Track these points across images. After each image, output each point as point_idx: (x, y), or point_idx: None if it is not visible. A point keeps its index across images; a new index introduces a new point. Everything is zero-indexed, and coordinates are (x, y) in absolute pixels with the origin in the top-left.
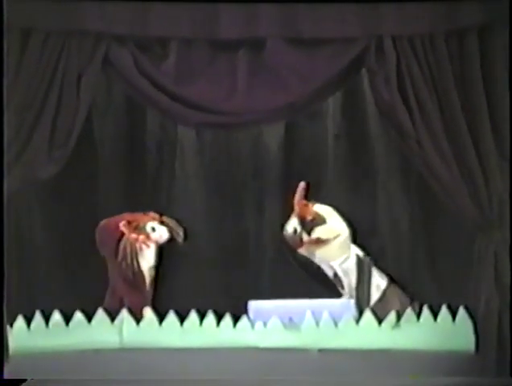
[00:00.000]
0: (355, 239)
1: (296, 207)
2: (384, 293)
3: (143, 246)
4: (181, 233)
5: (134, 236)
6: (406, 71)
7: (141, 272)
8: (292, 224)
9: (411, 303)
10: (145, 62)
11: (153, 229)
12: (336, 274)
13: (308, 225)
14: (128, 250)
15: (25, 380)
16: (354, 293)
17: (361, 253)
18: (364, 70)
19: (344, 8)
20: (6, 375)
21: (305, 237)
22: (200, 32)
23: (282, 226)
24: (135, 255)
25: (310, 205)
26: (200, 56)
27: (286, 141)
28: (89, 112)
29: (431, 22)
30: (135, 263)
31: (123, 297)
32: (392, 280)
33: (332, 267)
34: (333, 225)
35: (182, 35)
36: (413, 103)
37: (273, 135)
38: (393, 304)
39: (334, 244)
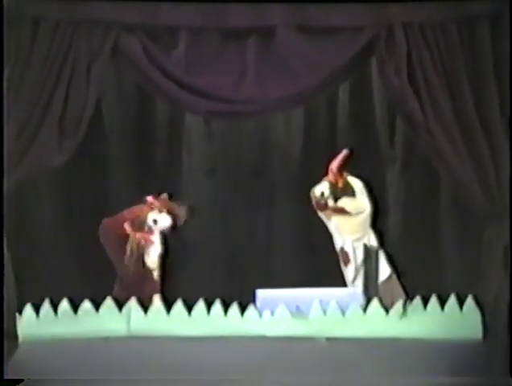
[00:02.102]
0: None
1: (330, 172)
2: (384, 281)
3: (149, 243)
4: (183, 216)
5: (138, 235)
6: (416, 59)
7: (148, 266)
8: (321, 187)
9: (405, 299)
10: (154, 51)
11: (155, 222)
12: (343, 248)
13: (337, 192)
14: (134, 249)
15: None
16: (358, 272)
17: (374, 240)
18: (374, 58)
19: None
20: (15, 364)
21: (331, 203)
22: (209, 21)
23: (290, 215)
24: (141, 252)
25: (344, 174)
26: (209, 45)
27: (297, 130)
28: (99, 101)
29: (442, 10)
30: (141, 259)
31: (132, 289)
32: (396, 271)
33: (344, 240)
34: (360, 200)
35: (191, 24)
36: (423, 91)
37: (284, 124)
38: (391, 293)
39: (355, 219)
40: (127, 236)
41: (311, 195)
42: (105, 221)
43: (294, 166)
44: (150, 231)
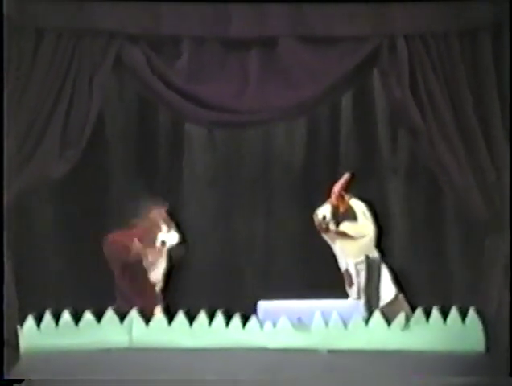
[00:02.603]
0: (378, 242)
1: (333, 196)
2: (391, 302)
3: (157, 260)
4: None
5: (147, 251)
6: (418, 69)
7: (152, 282)
8: (324, 210)
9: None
10: (157, 61)
11: (163, 243)
12: (347, 271)
13: (339, 217)
14: (139, 266)
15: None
16: (361, 294)
17: (376, 256)
18: (376, 69)
19: (356, 7)
20: (16, 375)
21: (332, 227)
22: (211, 31)
23: (292, 226)
24: (146, 270)
25: (346, 197)
26: (212, 55)
27: (298, 140)
28: (101, 112)
29: (443, 21)
30: (146, 276)
31: (133, 302)
32: (401, 289)
33: (347, 263)
34: (363, 224)
35: (194, 34)
36: (425, 101)
37: (285, 134)
38: (398, 312)
39: (357, 243)
40: (133, 251)
41: (314, 217)
42: (112, 236)
43: (295, 176)
44: (159, 250)
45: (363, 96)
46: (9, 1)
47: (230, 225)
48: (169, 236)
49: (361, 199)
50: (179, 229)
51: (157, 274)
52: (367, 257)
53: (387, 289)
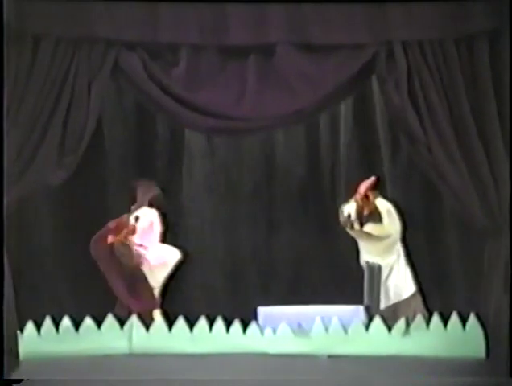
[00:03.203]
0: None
1: (358, 196)
2: (409, 299)
3: (159, 263)
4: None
5: (119, 237)
6: (416, 76)
7: (151, 285)
8: (349, 208)
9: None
10: (155, 68)
11: (136, 218)
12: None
13: (363, 217)
14: (138, 264)
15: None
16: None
17: (402, 254)
18: (374, 76)
19: (354, 14)
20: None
21: (356, 226)
22: (209, 38)
23: (292, 233)
24: (144, 274)
25: (372, 197)
26: (209, 62)
27: (299, 146)
28: (99, 119)
29: (440, 28)
30: (144, 279)
31: (131, 306)
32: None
33: (369, 259)
34: (387, 225)
35: (192, 42)
36: (423, 108)
37: (286, 140)
38: (414, 310)
39: (382, 243)
40: (113, 247)
41: (340, 213)
42: (93, 239)
43: (295, 183)
44: (133, 229)
45: (363, 103)
46: (7, 8)
47: (230, 231)
48: (145, 213)
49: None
50: (179, 235)
51: (158, 277)
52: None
53: (407, 286)
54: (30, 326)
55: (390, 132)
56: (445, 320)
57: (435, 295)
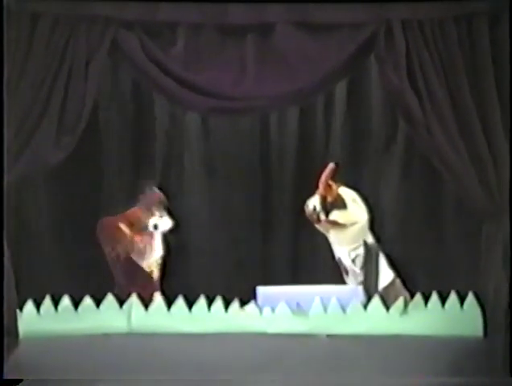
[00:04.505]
0: (372, 226)
1: (320, 186)
2: (388, 286)
3: (147, 246)
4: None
5: (137, 238)
6: (415, 56)
7: (145, 268)
8: (313, 201)
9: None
10: (153, 47)
11: (155, 227)
12: (340, 260)
13: (328, 206)
14: (132, 251)
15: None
16: (358, 280)
17: (371, 240)
18: (373, 55)
19: None
20: (15, 359)
21: (322, 217)
22: (208, 18)
23: (289, 213)
24: (140, 255)
25: (334, 187)
26: (208, 42)
27: (294, 127)
28: (97, 99)
29: (440, 8)
30: (140, 263)
31: (131, 290)
32: (398, 275)
33: (341, 252)
34: (353, 212)
35: (190, 21)
36: (422, 88)
37: (282, 121)
38: (395, 297)
39: (349, 231)
40: (123, 236)
41: (305, 208)
42: (105, 219)
43: (290, 163)
44: (151, 235)
45: (360, 84)
46: None
47: (228, 213)
48: (162, 221)
49: (357, 186)
50: (177, 216)
51: (150, 260)
52: (365, 243)
53: (384, 274)
54: (29, 305)
55: (388, 112)
56: (443, 299)
57: (434, 274)
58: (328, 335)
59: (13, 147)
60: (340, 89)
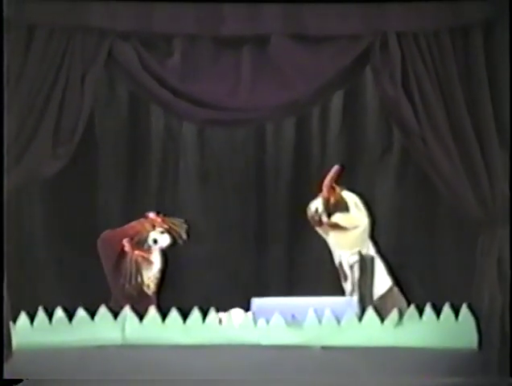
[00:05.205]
0: (372, 234)
1: (324, 188)
2: (385, 294)
3: (146, 260)
4: (183, 233)
5: (137, 253)
6: (410, 67)
7: (144, 282)
8: (316, 203)
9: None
10: (149, 59)
11: (155, 241)
12: (341, 264)
13: (330, 208)
14: (131, 268)
15: (21, 381)
16: (355, 287)
17: (372, 250)
18: (368, 67)
19: (349, 5)
20: (9, 372)
21: (324, 219)
22: (204, 29)
23: (285, 224)
24: (139, 272)
25: (337, 189)
26: (204, 53)
27: (290, 138)
28: (93, 110)
29: (435, 19)
30: (139, 279)
31: (127, 303)
32: (397, 282)
33: (340, 257)
34: (355, 215)
35: (186, 32)
36: (417, 99)
37: (278, 132)
38: (393, 305)
39: (350, 234)
40: (124, 251)
41: (307, 211)
42: (106, 233)
43: (286, 174)
44: (149, 249)
45: (355, 95)
46: None
47: (223, 224)
48: (161, 237)
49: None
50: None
51: (149, 274)
52: (360, 253)
53: (382, 282)
54: (23, 317)
55: (383, 123)
56: (438, 311)
57: (429, 286)
58: (322, 347)
59: (9, 157)
60: (336, 100)
